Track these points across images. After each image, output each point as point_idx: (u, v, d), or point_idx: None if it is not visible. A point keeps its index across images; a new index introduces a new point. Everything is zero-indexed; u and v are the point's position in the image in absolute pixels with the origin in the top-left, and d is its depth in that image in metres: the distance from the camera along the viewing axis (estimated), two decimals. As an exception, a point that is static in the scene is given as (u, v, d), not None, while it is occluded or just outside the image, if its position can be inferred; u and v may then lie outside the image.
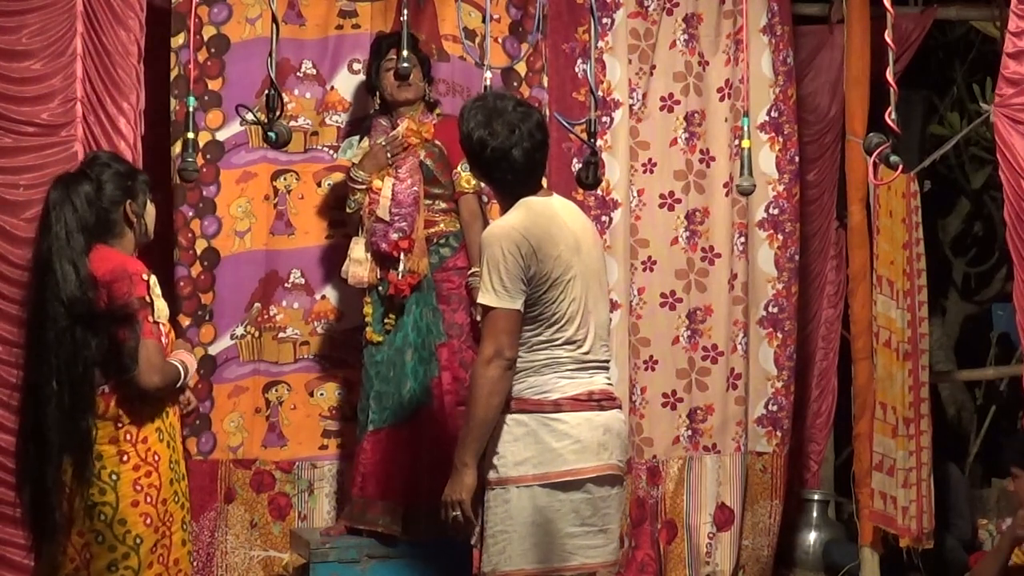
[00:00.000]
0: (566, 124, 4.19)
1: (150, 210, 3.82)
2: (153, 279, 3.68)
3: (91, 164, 3.77)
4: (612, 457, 3.80)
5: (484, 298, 3.72)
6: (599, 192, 5.54)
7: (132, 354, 3.57)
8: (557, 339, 3.76)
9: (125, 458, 3.62)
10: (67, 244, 3.57)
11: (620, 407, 3.92)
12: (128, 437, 3.63)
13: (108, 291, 3.58)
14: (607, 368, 3.90)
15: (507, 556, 3.73)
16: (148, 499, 3.63)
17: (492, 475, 3.76)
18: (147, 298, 3.61)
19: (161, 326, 3.68)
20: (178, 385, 3.74)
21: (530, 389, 3.76)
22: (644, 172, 5.74)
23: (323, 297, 5.37)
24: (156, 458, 3.66)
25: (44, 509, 3.56)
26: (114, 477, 3.60)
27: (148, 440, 3.66)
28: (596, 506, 3.78)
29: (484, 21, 5.33)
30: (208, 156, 5.25)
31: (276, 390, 5.36)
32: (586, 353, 3.80)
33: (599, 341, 3.84)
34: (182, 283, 5.19)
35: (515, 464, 3.73)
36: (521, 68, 5.55)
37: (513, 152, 3.77)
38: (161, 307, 3.67)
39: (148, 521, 3.62)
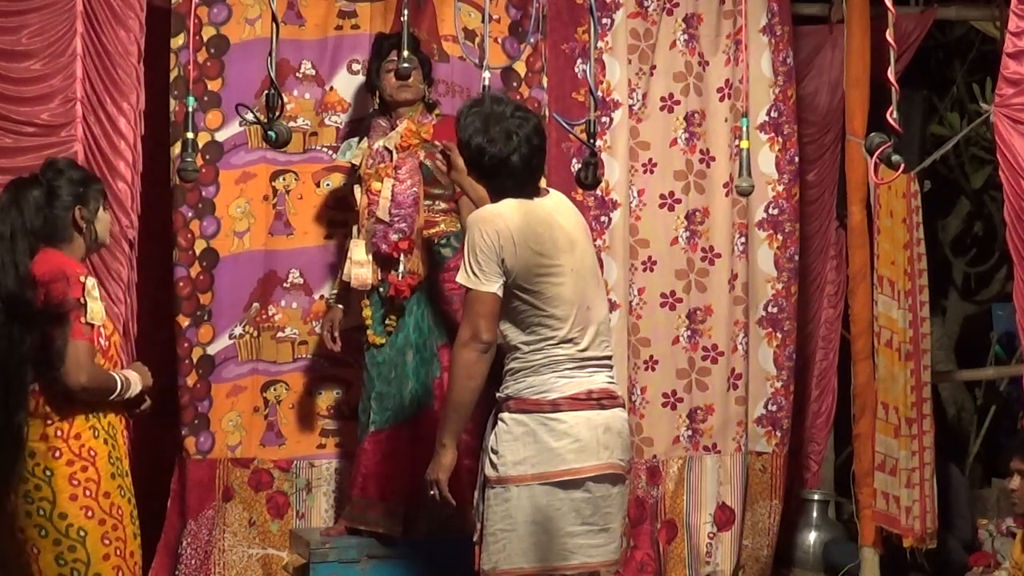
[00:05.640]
0: (565, 125, 4.19)
1: (102, 217, 3.89)
2: (91, 281, 3.73)
3: (46, 170, 3.87)
4: (613, 456, 3.81)
5: (461, 278, 3.78)
6: (598, 192, 5.54)
7: (60, 353, 3.63)
8: (552, 338, 3.77)
9: (57, 454, 3.67)
10: (10, 244, 3.66)
11: (622, 406, 3.94)
12: (59, 434, 3.69)
13: (46, 290, 3.66)
14: (609, 366, 3.91)
15: (507, 554, 3.76)
16: (88, 493, 3.68)
17: (492, 473, 3.79)
18: (81, 299, 3.67)
19: (101, 328, 3.74)
20: (113, 397, 3.76)
21: (529, 389, 3.78)
22: (644, 172, 5.73)
23: (322, 297, 5.37)
24: (92, 454, 3.71)
25: None
26: (48, 472, 3.66)
27: (82, 436, 3.71)
28: (597, 505, 3.79)
29: (484, 21, 5.34)
30: (207, 156, 5.24)
31: (274, 389, 5.36)
32: (584, 351, 3.81)
33: (599, 338, 3.86)
34: (181, 283, 5.19)
35: (514, 463, 3.75)
36: (520, 68, 5.55)
37: (512, 159, 3.80)
38: (96, 309, 3.71)
39: (90, 514, 3.68)
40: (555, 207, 3.91)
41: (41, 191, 3.77)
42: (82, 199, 3.81)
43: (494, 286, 3.73)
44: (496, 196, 3.89)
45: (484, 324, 3.73)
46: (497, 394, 3.86)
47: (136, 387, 3.85)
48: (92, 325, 3.70)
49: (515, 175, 3.83)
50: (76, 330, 3.65)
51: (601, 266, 5.39)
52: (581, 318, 3.81)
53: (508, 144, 3.79)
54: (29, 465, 3.65)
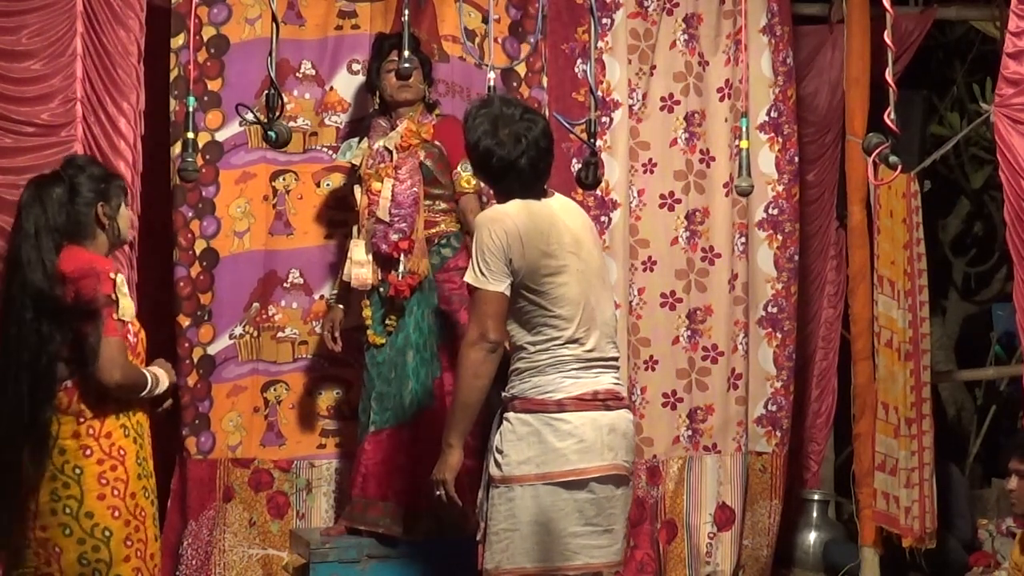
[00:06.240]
0: (566, 124, 4.20)
1: (124, 213, 3.86)
2: (120, 278, 3.72)
3: (66, 167, 3.84)
4: (617, 457, 3.82)
5: (468, 277, 3.80)
6: (599, 192, 5.55)
7: (93, 349, 3.61)
8: (558, 339, 3.78)
9: (88, 452, 3.65)
10: (35, 242, 3.64)
11: (628, 407, 3.95)
12: (91, 432, 3.67)
13: (75, 287, 3.63)
14: (615, 367, 3.92)
15: (510, 554, 3.77)
16: (115, 492, 3.66)
17: (497, 473, 3.80)
18: (112, 295, 3.65)
19: (130, 324, 3.73)
20: (144, 394, 3.76)
21: (534, 389, 3.79)
22: (644, 172, 5.74)
23: (322, 297, 5.37)
24: (122, 453, 3.69)
25: (1, 503, 3.61)
26: (77, 471, 3.63)
27: (112, 435, 3.69)
28: (601, 506, 3.80)
29: (484, 21, 5.35)
30: (207, 156, 5.24)
31: (275, 389, 5.36)
32: (590, 351, 3.82)
33: (605, 339, 3.87)
34: (181, 283, 5.19)
35: (518, 463, 3.76)
36: (521, 68, 5.55)
37: (520, 162, 3.81)
38: (127, 306, 3.70)
39: (116, 514, 3.65)
40: (561, 208, 3.93)
41: (63, 188, 3.74)
42: (104, 195, 3.79)
43: (502, 286, 3.74)
44: (503, 197, 3.91)
45: (492, 324, 3.75)
46: (503, 394, 3.87)
47: (164, 384, 3.84)
48: (123, 321, 3.69)
49: (522, 178, 3.84)
50: (109, 327, 3.63)
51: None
52: (587, 318, 3.82)
53: (517, 147, 3.80)
54: (58, 462, 3.63)
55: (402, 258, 4.88)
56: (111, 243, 3.83)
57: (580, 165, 4.25)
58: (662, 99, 5.75)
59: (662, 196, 5.75)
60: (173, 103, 5.13)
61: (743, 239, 5.79)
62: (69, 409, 3.65)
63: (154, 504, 3.79)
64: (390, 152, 4.96)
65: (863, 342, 5.81)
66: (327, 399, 5.43)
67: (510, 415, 3.82)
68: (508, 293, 3.76)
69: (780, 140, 5.86)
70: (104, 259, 3.76)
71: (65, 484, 3.62)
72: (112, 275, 3.68)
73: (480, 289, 3.76)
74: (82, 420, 3.66)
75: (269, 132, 3.78)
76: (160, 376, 3.82)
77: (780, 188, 5.86)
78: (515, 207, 3.82)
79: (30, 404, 3.58)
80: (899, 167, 3.53)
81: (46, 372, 3.60)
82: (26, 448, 3.59)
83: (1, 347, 3.64)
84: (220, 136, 5.28)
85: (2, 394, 3.60)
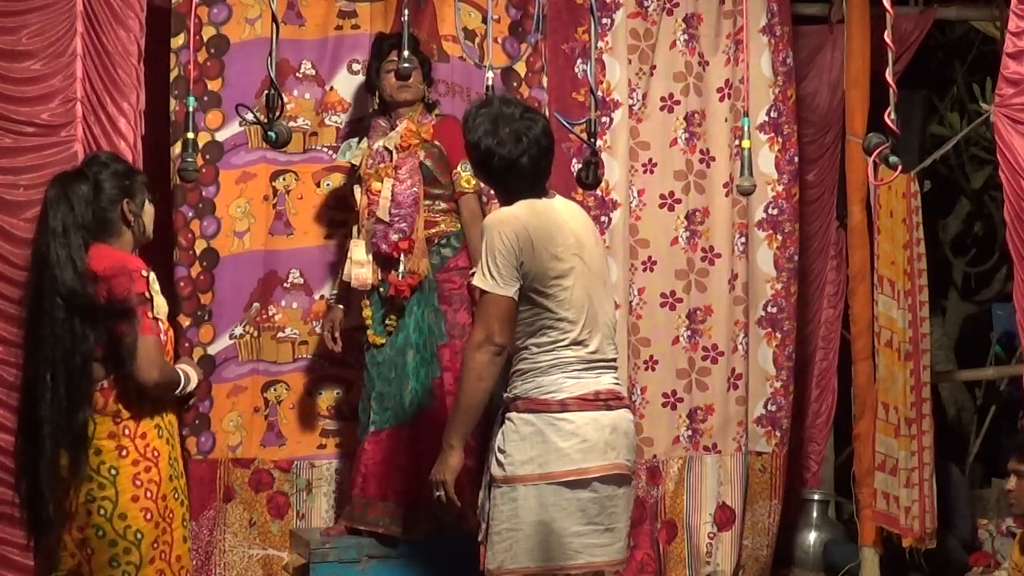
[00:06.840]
0: (566, 124, 4.20)
1: (148, 210, 3.84)
2: (152, 276, 3.70)
3: (90, 164, 3.81)
4: (619, 457, 3.83)
5: (477, 280, 3.79)
6: (599, 192, 5.55)
7: (130, 349, 3.59)
8: (562, 340, 3.79)
9: (124, 453, 3.63)
10: (64, 240, 3.60)
11: (628, 407, 3.96)
12: (127, 432, 3.65)
13: (108, 286, 3.60)
14: (615, 368, 3.93)
15: (513, 553, 3.77)
16: (148, 494, 3.64)
17: (499, 473, 3.80)
18: (146, 294, 3.64)
19: (160, 323, 3.71)
20: (177, 392, 3.76)
21: (537, 389, 3.79)
22: (644, 172, 5.74)
23: (322, 297, 5.37)
24: (155, 454, 3.68)
25: (39, 504, 3.58)
26: (113, 472, 3.62)
27: (147, 436, 3.67)
28: (603, 505, 3.81)
29: (484, 21, 5.35)
30: (207, 156, 5.24)
31: (275, 389, 5.36)
32: (593, 352, 3.82)
33: (606, 340, 3.87)
34: (182, 283, 5.19)
35: (521, 463, 3.77)
36: (521, 68, 5.56)
37: (521, 161, 3.81)
38: (160, 304, 3.70)
39: (148, 516, 3.64)
40: (564, 208, 3.93)
41: (88, 186, 3.70)
42: (128, 192, 3.77)
43: (511, 290, 3.74)
44: (504, 197, 3.91)
45: (499, 327, 3.74)
46: (504, 394, 3.87)
47: (194, 382, 3.84)
48: (157, 319, 3.67)
49: (524, 177, 3.84)
50: (145, 325, 3.61)
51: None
52: (590, 320, 3.82)
53: (517, 146, 3.80)
54: (94, 463, 3.60)
55: (402, 258, 4.88)
56: (136, 240, 3.81)
57: (580, 165, 4.25)
58: (662, 99, 5.75)
59: (662, 196, 5.75)
60: (173, 103, 5.13)
61: (743, 239, 5.79)
62: (105, 409, 3.64)
63: (183, 505, 3.78)
64: (390, 152, 4.96)
65: (863, 342, 5.81)
66: (327, 399, 5.43)
67: (512, 415, 3.82)
68: (516, 297, 3.75)
69: (780, 140, 5.86)
70: (134, 257, 3.74)
71: (100, 485, 3.61)
72: (144, 273, 3.67)
73: (489, 292, 3.74)
74: (118, 420, 3.64)
75: (269, 132, 3.78)
76: (191, 374, 3.82)
77: (780, 188, 5.86)
78: (523, 209, 3.81)
79: (67, 405, 3.56)
80: (899, 167, 3.54)
81: (81, 372, 3.58)
82: (63, 450, 3.57)
83: (34, 347, 3.62)
84: (220, 136, 5.28)
85: (38, 395, 3.57)
